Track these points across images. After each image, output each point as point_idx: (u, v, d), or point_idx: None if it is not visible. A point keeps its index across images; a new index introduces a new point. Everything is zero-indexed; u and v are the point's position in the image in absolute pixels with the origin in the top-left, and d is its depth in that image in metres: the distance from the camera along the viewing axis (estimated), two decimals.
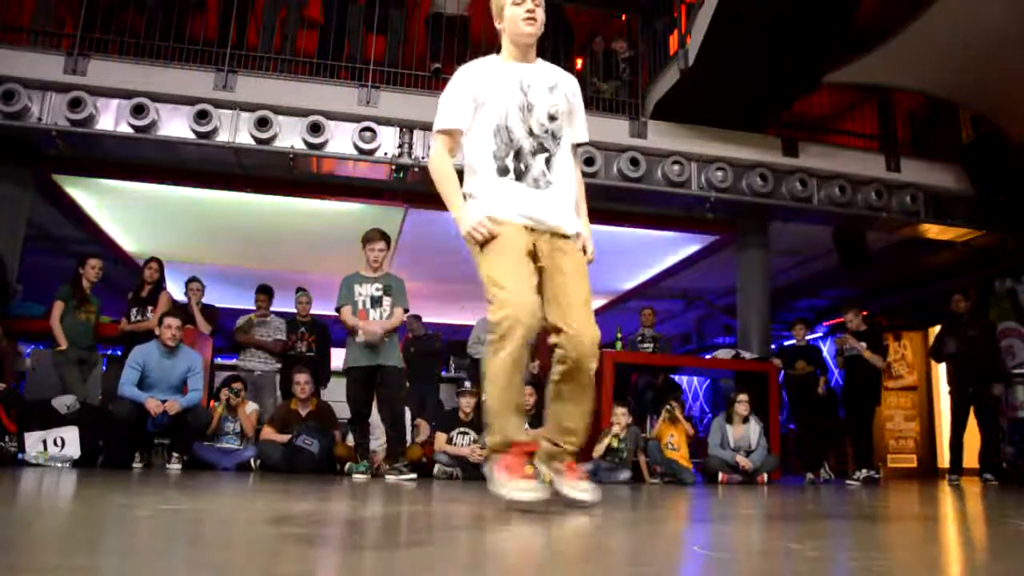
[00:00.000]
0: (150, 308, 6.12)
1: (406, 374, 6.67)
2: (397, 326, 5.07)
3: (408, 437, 6.11)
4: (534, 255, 2.54)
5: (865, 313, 7.42)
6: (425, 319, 8.51)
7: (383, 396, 5.05)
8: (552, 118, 2.61)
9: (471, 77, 2.62)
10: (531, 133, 2.58)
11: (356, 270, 5.14)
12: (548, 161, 2.59)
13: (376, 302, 5.01)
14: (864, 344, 6.85)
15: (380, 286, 5.04)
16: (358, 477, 4.93)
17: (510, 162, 2.55)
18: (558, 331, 2.50)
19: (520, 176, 2.55)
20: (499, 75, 2.62)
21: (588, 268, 2.66)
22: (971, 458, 7.02)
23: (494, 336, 2.38)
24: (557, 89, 2.67)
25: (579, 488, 2.53)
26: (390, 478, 4.89)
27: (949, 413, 7.32)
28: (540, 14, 2.60)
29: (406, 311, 5.19)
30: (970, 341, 6.98)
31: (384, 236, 5.15)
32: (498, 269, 2.45)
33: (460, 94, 2.60)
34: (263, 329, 6.72)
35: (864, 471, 6.66)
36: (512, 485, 2.33)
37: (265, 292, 6.93)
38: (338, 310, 5.02)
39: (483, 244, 2.49)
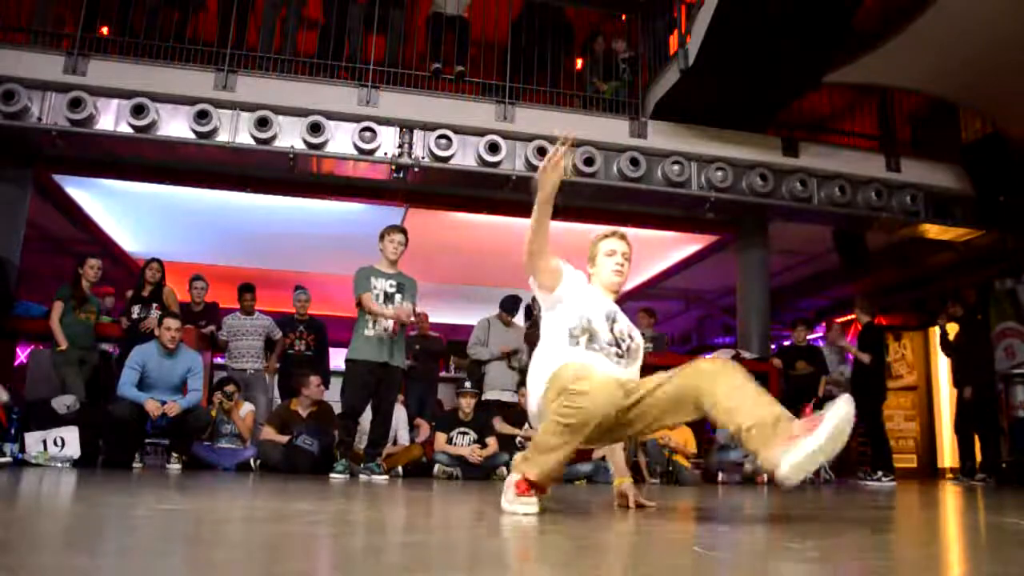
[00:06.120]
0: (154, 306, 6.11)
1: (404, 373, 6.65)
2: (412, 314, 5.15)
3: (408, 437, 6.12)
4: None
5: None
6: None
7: (383, 394, 5.02)
8: (631, 336, 2.72)
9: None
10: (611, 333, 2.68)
11: (372, 264, 5.11)
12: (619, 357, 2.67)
13: (389, 298, 5.00)
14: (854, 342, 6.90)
15: (394, 283, 5.04)
16: (336, 477, 4.73)
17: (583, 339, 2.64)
18: None
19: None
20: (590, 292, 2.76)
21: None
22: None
23: None
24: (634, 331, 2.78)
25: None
26: (362, 477, 4.84)
27: (950, 414, 7.35)
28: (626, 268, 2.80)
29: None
30: (962, 346, 7.06)
31: (403, 231, 5.16)
32: None
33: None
34: (244, 339, 6.66)
35: (880, 473, 6.66)
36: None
37: (250, 291, 6.89)
38: (359, 299, 4.97)
39: None
